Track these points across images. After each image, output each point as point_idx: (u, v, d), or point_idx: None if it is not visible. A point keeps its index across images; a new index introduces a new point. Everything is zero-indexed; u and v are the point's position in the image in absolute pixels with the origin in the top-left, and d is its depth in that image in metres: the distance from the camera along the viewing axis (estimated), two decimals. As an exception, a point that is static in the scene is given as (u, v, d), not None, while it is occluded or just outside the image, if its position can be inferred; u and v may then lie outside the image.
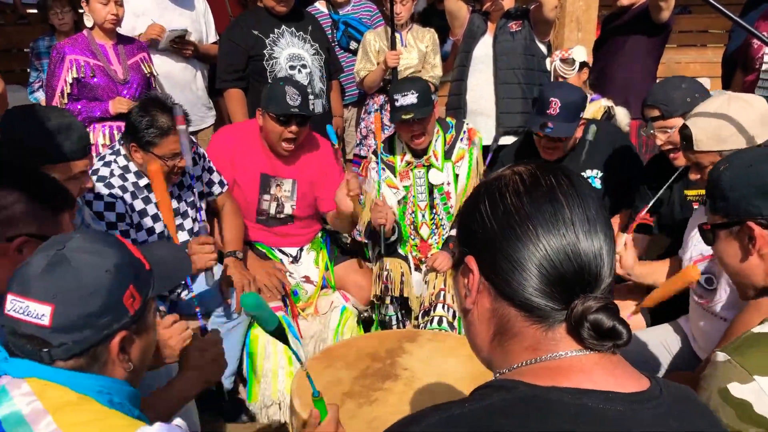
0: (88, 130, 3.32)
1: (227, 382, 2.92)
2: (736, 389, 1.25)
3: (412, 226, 3.18)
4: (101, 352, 1.17)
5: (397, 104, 2.94)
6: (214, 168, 2.99)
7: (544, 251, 0.84)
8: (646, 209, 2.58)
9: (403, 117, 2.92)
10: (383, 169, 3.14)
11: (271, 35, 3.67)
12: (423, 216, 3.16)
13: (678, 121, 2.41)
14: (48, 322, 1.11)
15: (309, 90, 3.65)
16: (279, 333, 1.50)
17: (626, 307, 2.48)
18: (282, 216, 3.18)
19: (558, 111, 2.77)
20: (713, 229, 1.51)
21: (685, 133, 2.03)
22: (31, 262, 1.17)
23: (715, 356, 1.33)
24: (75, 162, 2.05)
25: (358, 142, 4.22)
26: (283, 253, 3.22)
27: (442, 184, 3.12)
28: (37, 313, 1.11)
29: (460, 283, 0.96)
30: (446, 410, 0.83)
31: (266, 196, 3.13)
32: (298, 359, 1.56)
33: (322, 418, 1.39)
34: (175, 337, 1.83)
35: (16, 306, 1.12)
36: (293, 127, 2.94)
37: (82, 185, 2.10)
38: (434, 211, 3.17)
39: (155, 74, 3.60)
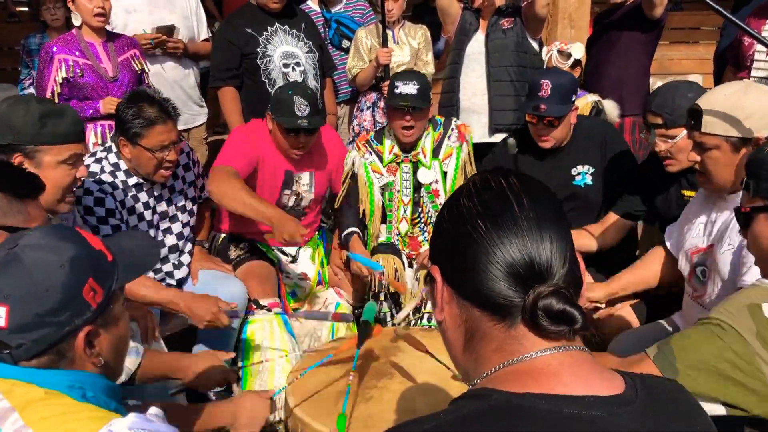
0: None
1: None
2: None
3: (395, 222, 3.19)
4: (66, 349, 1.15)
5: (397, 91, 2.96)
6: (203, 174, 3.02)
7: (495, 246, 0.87)
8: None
9: (400, 103, 2.95)
10: (370, 153, 3.16)
11: (264, 33, 3.66)
12: (405, 211, 3.17)
13: (680, 131, 2.38)
14: (4, 323, 1.09)
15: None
16: (364, 329, 1.78)
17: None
18: (298, 209, 3.19)
19: (549, 92, 2.80)
20: (752, 212, 1.49)
21: (695, 112, 2.02)
22: None
23: (759, 281, 1.35)
24: (68, 145, 2.05)
25: (350, 139, 4.22)
26: (283, 252, 3.22)
27: (430, 183, 3.14)
28: None
29: (431, 295, 0.98)
30: (423, 423, 0.84)
31: (287, 191, 3.13)
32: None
33: None
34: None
35: None
36: (302, 139, 2.94)
37: (76, 173, 2.08)
38: (419, 209, 3.18)
39: (147, 70, 3.58)
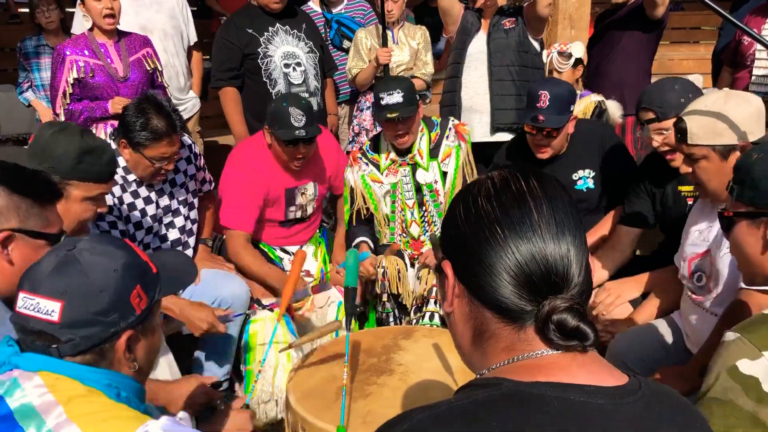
0: (90, 129, 3.35)
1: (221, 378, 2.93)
2: (745, 366, 1.26)
3: (402, 225, 3.19)
4: (108, 350, 1.21)
5: (383, 102, 2.95)
6: (205, 166, 3.02)
7: (512, 254, 0.86)
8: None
9: (389, 116, 2.94)
10: (366, 164, 3.16)
11: (265, 33, 3.67)
12: (412, 214, 3.18)
13: (673, 122, 2.42)
14: (57, 318, 1.16)
15: (304, 87, 3.66)
16: (350, 294, 1.76)
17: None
18: (305, 217, 3.23)
19: (548, 103, 2.79)
20: (734, 217, 1.49)
21: (680, 126, 2.04)
22: (42, 261, 1.22)
23: (725, 336, 1.33)
24: (98, 184, 2.11)
25: (350, 139, 4.23)
26: (285, 251, 3.23)
27: (430, 183, 3.14)
28: (47, 309, 1.16)
29: (440, 287, 0.99)
30: (433, 408, 0.85)
31: (292, 207, 3.16)
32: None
33: None
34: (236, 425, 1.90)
35: (27, 303, 1.17)
36: (301, 149, 2.95)
37: (98, 208, 2.14)
38: (424, 208, 3.18)
39: (160, 69, 3.59)
